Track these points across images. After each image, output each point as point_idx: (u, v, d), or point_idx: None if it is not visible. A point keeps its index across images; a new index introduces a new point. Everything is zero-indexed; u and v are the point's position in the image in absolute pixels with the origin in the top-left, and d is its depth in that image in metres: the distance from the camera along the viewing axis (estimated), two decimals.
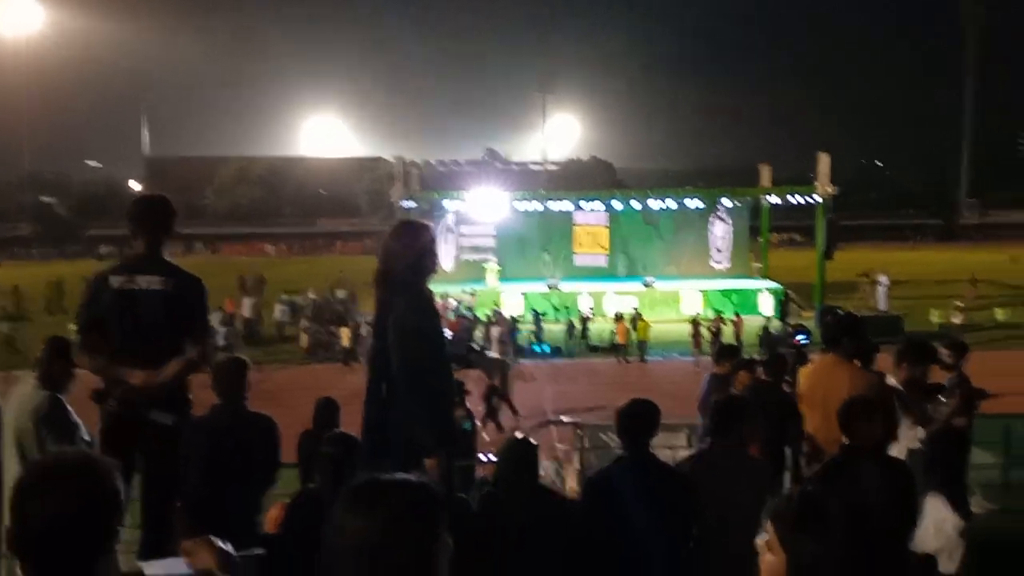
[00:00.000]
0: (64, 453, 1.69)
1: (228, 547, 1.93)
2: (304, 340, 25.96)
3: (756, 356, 7.95)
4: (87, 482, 1.58)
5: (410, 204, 29.83)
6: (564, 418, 10.67)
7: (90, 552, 1.60)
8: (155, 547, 3.51)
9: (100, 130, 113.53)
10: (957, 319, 25.98)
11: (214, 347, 22.64)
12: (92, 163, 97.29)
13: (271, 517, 4.89)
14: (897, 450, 4.32)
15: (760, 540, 1.68)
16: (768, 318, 27.08)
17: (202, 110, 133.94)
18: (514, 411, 15.55)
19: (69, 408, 4.02)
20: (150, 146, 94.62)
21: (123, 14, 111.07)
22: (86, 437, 3.99)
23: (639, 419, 3.66)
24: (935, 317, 26.38)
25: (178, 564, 1.98)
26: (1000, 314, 28.89)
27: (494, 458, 7.26)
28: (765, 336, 23.65)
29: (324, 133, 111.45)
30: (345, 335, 24.41)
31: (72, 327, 4.16)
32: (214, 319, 26.01)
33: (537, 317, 26.57)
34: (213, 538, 1.94)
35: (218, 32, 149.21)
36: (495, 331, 24.15)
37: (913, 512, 3.68)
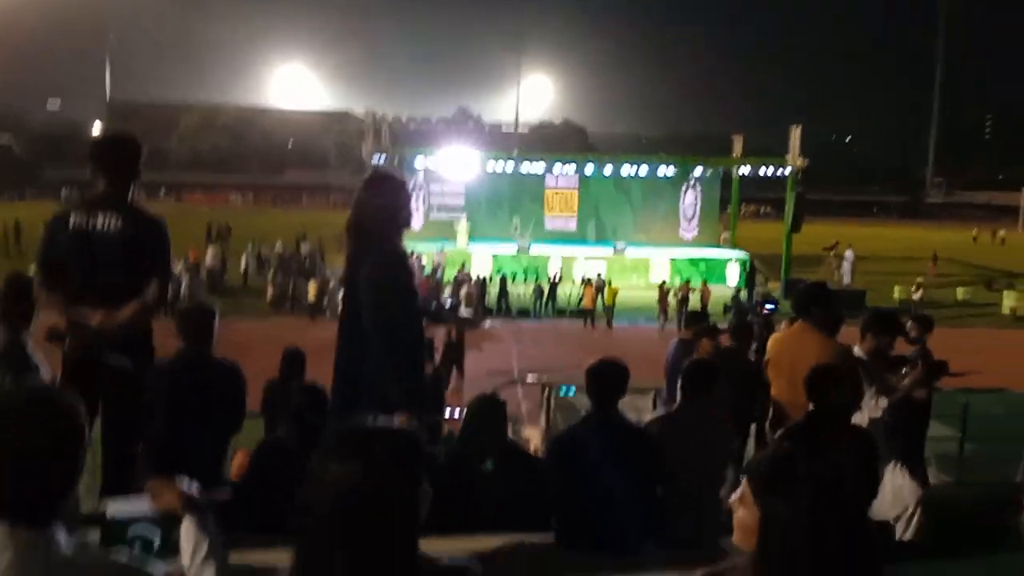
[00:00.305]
0: (23, 386, 1.62)
1: (193, 488, 1.90)
2: (270, 292, 25.72)
3: (721, 324, 8.03)
4: (48, 412, 1.53)
5: (380, 159, 29.49)
6: (530, 378, 10.70)
7: (54, 489, 1.56)
8: (116, 490, 3.45)
9: (62, 70, 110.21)
10: (917, 295, 26.49)
11: (175, 291, 22.42)
12: (52, 103, 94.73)
13: (235, 464, 4.86)
14: (859, 419, 4.38)
15: (735, 495, 1.68)
16: (738, 289, 27.39)
17: (168, 54, 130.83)
18: (461, 372, 15.52)
19: (30, 346, 3.92)
20: (114, 89, 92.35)
21: None
22: (46, 379, 3.90)
23: (608, 378, 3.66)
24: (897, 293, 26.86)
25: (142, 503, 1.95)
26: (960, 293, 29.52)
27: (455, 415, 7.31)
28: (735, 305, 23.94)
29: (293, 84, 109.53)
30: (312, 288, 24.24)
31: (32, 267, 4.05)
32: (178, 267, 25.71)
33: (503, 283, 26.51)
34: (178, 478, 1.91)
35: None
36: (463, 290, 24.15)
37: (875, 480, 3.75)
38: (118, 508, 2.02)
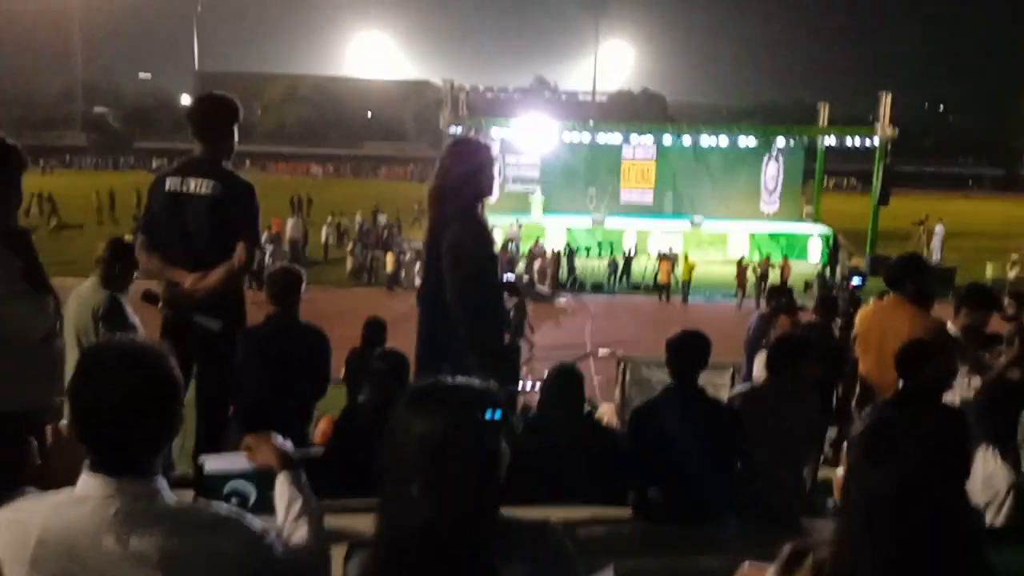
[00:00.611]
0: (117, 338, 1.66)
1: (288, 444, 1.95)
2: (349, 264, 26.19)
3: (801, 302, 7.80)
4: (143, 365, 1.58)
5: (457, 130, 29.56)
6: (602, 352, 10.66)
7: (153, 440, 1.61)
8: (209, 451, 3.58)
9: (152, 43, 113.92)
10: (1013, 273, 25.28)
11: (261, 255, 22.79)
12: (144, 75, 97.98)
13: (319, 430, 4.99)
14: (951, 399, 4.23)
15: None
16: (824, 265, 26.58)
17: (252, 26, 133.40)
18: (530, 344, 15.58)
19: (128, 308, 4.09)
20: (202, 61, 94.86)
21: None
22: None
23: (689, 350, 3.62)
24: (990, 271, 25.68)
25: (239, 459, 2.00)
26: None
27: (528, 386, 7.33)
28: (820, 280, 23.30)
29: (372, 52, 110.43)
30: (389, 260, 24.60)
31: (128, 236, 4.20)
32: (261, 238, 26.40)
33: (571, 257, 26.30)
34: (274, 434, 1.95)
35: None
36: (537, 264, 24.14)
37: (966, 461, 3.62)
38: (215, 464, 2.08)
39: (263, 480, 1.97)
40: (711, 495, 3.40)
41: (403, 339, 3.69)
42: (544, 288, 20.48)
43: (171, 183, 3.67)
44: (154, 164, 58.82)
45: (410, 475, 1.42)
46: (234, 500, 2.01)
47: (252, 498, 2.04)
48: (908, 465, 1.51)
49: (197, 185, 3.62)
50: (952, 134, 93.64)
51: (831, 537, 1.61)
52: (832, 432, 5.59)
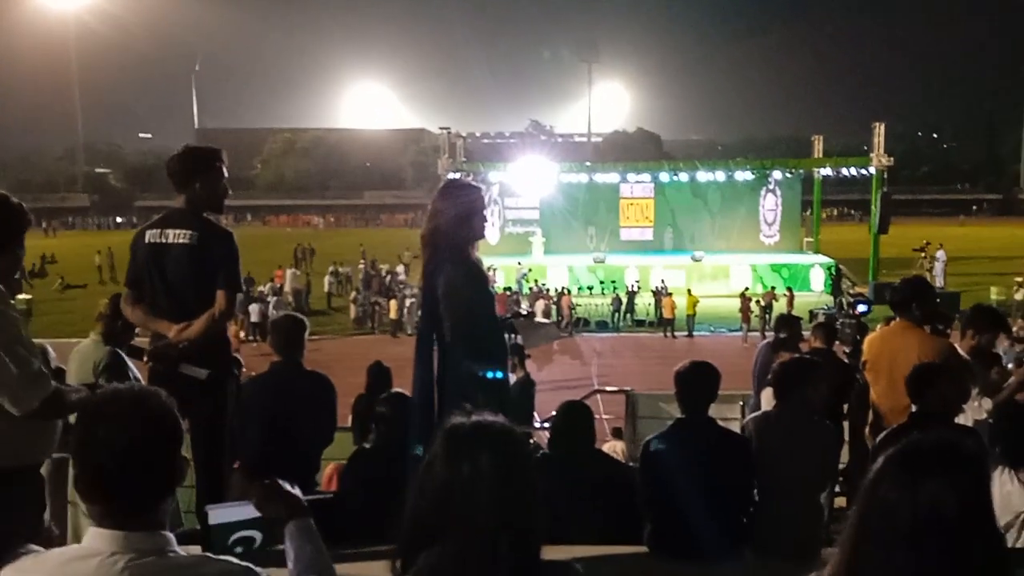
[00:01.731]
0: (122, 386, 1.64)
1: (296, 490, 1.91)
2: (352, 311, 26.22)
3: (806, 333, 7.69)
4: (144, 408, 1.56)
5: (455, 176, 29.77)
6: (610, 388, 10.60)
7: (156, 482, 1.58)
8: (211, 501, 3.52)
9: (152, 102, 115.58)
10: (1020, 295, 25.24)
11: (261, 313, 23.01)
12: (144, 135, 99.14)
13: (326, 477, 4.94)
14: (963, 420, 4.18)
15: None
16: (831, 296, 26.49)
17: (250, 82, 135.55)
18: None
19: (129, 362, 4.08)
20: (200, 117, 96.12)
21: None
22: None
23: (698, 380, 3.58)
24: (994, 294, 25.62)
25: (245, 508, 1.96)
26: None
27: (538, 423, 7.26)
28: (823, 312, 23.29)
29: (370, 104, 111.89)
30: (392, 307, 24.61)
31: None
32: (264, 289, 26.47)
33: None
34: (282, 482, 1.92)
35: (267, 4, 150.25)
36: (540, 304, 24.15)
37: (989, 482, 3.56)
38: (221, 515, 2.04)
39: (269, 526, 1.93)
40: (726, 528, 3.34)
41: (409, 384, 3.66)
42: (542, 319, 20.37)
43: (151, 235, 3.67)
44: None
45: (458, 520, 1.39)
46: (239, 548, 1.97)
47: (258, 541, 1.99)
48: (941, 487, 1.44)
49: (176, 235, 3.62)
50: (947, 161, 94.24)
51: (837, 557, 1.55)
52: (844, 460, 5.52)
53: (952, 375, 3.65)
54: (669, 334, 23.94)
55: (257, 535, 1.97)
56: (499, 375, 3.46)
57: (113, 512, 1.54)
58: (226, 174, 3.79)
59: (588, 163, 40.29)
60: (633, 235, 34.36)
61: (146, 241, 3.67)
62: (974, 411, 4.69)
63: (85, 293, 28.85)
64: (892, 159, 28.91)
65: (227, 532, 2.01)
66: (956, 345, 4.81)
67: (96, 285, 31.88)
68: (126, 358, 4.13)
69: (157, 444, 1.56)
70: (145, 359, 3.74)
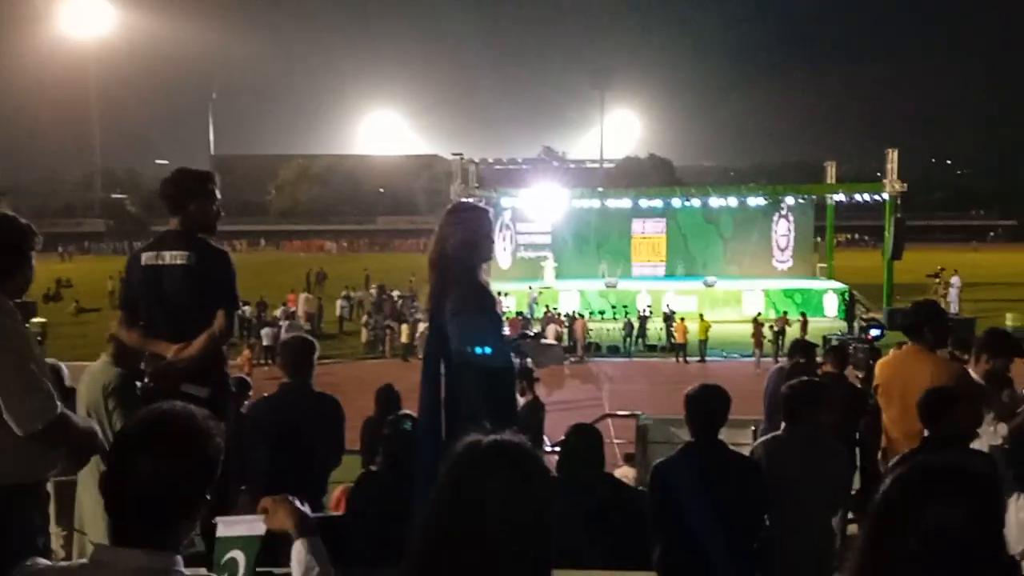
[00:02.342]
0: (174, 406, 1.62)
1: (306, 508, 1.90)
2: (364, 336, 26.24)
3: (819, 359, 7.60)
4: (193, 436, 1.56)
5: (465, 200, 29.82)
6: (621, 412, 10.53)
7: (181, 510, 1.56)
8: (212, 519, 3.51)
9: (169, 129, 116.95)
10: None
11: (274, 336, 23.04)
12: (161, 161, 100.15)
13: (333, 500, 4.91)
14: (978, 446, 4.12)
15: None
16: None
17: (265, 109, 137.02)
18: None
19: (139, 385, 4.08)
20: (216, 144, 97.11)
21: (189, 16, 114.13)
22: None
23: (709, 404, 3.56)
24: (1010, 320, 25.39)
25: (254, 523, 1.94)
26: None
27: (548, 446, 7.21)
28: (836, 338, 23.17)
29: (383, 131, 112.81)
30: (404, 331, 24.63)
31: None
32: (276, 313, 26.55)
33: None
34: (291, 498, 1.90)
35: (281, 33, 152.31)
36: (551, 328, 24.11)
37: (1003, 509, 3.51)
38: (229, 527, 2.01)
39: (252, 547, 1.91)
40: (736, 552, 3.30)
41: (418, 407, 3.65)
42: (549, 340, 20.30)
43: (146, 258, 3.70)
44: None
45: (469, 540, 1.37)
46: (227, 571, 1.94)
47: (242, 568, 1.96)
48: (949, 508, 1.41)
49: (173, 257, 3.64)
50: (961, 187, 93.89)
51: None
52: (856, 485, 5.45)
53: (965, 400, 3.61)
54: (681, 359, 23.84)
55: (241, 557, 1.95)
56: (487, 350, 3.37)
57: (130, 527, 1.52)
58: (218, 196, 3.82)
59: (600, 189, 40.37)
60: (645, 271, 34.18)
61: (142, 263, 3.70)
62: (989, 436, 4.63)
63: (99, 317, 29.05)
64: (905, 185, 28.83)
65: (228, 546, 1.98)
66: (970, 370, 4.76)
67: (109, 309, 32.07)
68: (135, 381, 4.14)
69: (192, 471, 1.55)
70: (147, 379, 3.75)
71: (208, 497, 1.61)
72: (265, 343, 23.36)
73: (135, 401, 4.00)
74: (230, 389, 3.78)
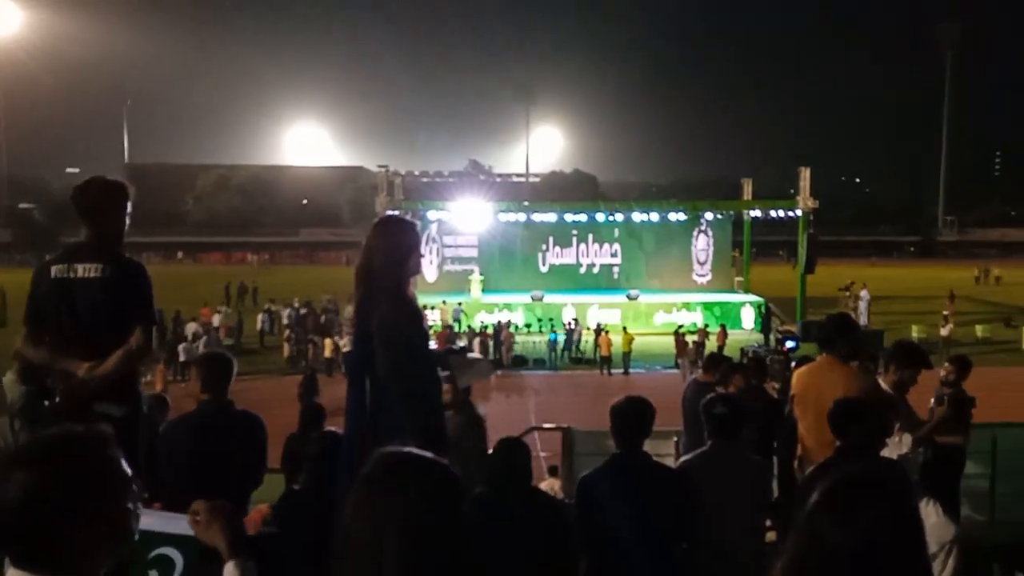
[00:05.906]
0: (51, 432, 1.52)
1: (243, 526, 1.78)
2: (286, 350, 25.74)
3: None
4: (69, 457, 1.46)
5: (393, 214, 29.64)
6: (547, 425, 10.56)
7: (66, 531, 1.45)
8: None
9: (80, 136, 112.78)
10: (946, 331, 26.28)
11: (157, 336, 22.12)
12: (72, 170, 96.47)
13: (251, 520, 4.79)
14: (886, 454, 4.29)
15: None
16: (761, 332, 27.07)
17: (183, 118, 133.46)
18: None
19: (46, 403, 3.91)
20: (131, 153, 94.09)
21: (103, 18, 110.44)
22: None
23: (634, 416, 3.60)
24: (916, 332, 26.57)
25: (177, 521, 1.79)
26: (980, 330, 29.20)
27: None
28: (752, 350, 23.81)
29: (306, 142, 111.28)
30: (328, 345, 24.24)
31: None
32: (193, 328, 25.80)
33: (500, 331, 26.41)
34: (230, 507, 1.76)
35: (201, 39, 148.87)
36: (477, 343, 24.11)
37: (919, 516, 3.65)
38: (149, 520, 1.80)
39: (192, 547, 1.77)
40: (662, 563, 3.35)
41: (343, 423, 3.59)
42: (475, 354, 20.32)
43: (57, 270, 3.51)
44: None
45: (380, 556, 1.34)
46: (155, 570, 1.81)
47: (178, 569, 1.83)
48: (878, 520, 1.46)
49: (85, 270, 3.47)
50: (870, 204, 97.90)
51: None
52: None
53: (874, 411, 3.75)
54: (606, 371, 24.12)
55: (179, 559, 1.81)
56: (414, 365, 3.34)
57: (25, 556, 1.43)
58: (130, 208, 3.68)
59: (526, 203, 40.63)
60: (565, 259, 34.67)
61: (52, 276, 3.51)
62: (895, 446, 4.82)
63: (3, 332, 27.66)
64: (817, 202, 29.92)
65: (150, 543, 1.82)
66: (880, 380, 4.95)
67: (16, 323, 30.66)
68: (43, 398, 3.96)
69: (72, 491, 1.44)
70: (56, 399, 3.58)
71: (118, 522, 1.50)
72: (181, 359, 22.70)
73: (44, 420, 3.82)
74: (141, 407, 3.63)
